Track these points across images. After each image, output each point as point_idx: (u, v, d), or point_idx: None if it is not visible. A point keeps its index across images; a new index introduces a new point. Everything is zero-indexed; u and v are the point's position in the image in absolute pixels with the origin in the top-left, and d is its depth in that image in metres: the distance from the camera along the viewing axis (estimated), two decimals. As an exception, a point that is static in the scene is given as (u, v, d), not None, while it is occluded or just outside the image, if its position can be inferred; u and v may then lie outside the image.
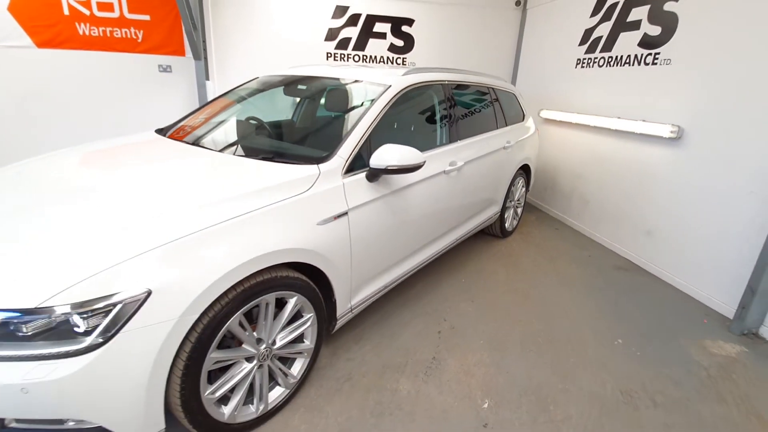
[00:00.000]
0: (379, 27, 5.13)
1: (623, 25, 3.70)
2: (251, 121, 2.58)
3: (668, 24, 3.23)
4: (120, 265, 1.23)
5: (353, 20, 5.05)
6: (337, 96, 2.58)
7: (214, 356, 1.44)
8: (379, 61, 5.28)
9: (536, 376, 2.10)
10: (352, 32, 5.09)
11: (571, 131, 4.40)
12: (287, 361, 1.82)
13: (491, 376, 2.09)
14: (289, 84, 2.84)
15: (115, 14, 4.57)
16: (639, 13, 3.53)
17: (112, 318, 1.19)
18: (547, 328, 2.52)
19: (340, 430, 1.72)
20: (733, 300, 2.67)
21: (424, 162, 2.04)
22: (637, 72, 3.53)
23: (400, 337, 2.35)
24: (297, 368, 1.84)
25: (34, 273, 1.22)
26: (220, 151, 2.14)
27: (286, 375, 1.78)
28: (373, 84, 2.39)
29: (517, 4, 5.30)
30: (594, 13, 4.07)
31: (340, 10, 4.99)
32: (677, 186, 3.16)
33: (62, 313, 1.16)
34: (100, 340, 1.18)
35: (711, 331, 2.61)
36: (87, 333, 1.18)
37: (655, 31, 3.37)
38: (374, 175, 2.00)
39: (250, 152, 2.15)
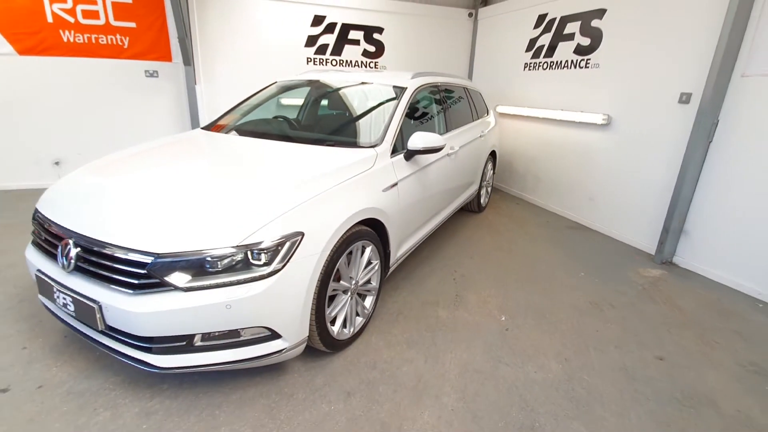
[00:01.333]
0: (353, 34, 5.71)
1: (561, 36, 4.66)
2: (299, 118, 3.10)
3: (596, 36, 4.21)
4: (281, 216, 1.74)
5: (330, 28, 5.57)
6: (366, 95, 3.17)
7: (332, 285, 1.99)
8: (354, 65, 5.86)
9: (532, 299, 2.86)
10: (330, 39, 5.62)
11: (524, 123, 5.32)
12: (362, 297, 2.38)
13: (501, 301, 2.81)
14: (318, 86, 3.37)
15: (101, 21, 4.71)
16: (573, 27, 4.49)
17: (284, 252, 1.70)
18: (531, 270, 3.31)
19: (406, 341, 2.33)
20: (654, 241, 3.66)
21: (445, 144, 2.70)
22: (574, 73, 4.49)
23: (426, 284, 2.99)
24: (369, 303, 2.41)
25: (230, 221, 1.70)
26: (293, 141, 2.65)
27: (363, 308, 2.35)
28: (393, 86, 3.01)
29: (470, 15, 6.17)
30: (536, 26, 5.01)
31: (318, 19, 5.49)
32: (609, 160, 4.14)
33: (255, 249, 1.65)
34: (279, 266, 1.69)
35: (641, 263, 3.56)
36: (267, 264, 1.68)
37: (586, 42, 4.34)
38: (411, 155, 2.63)
39: (315, 141, 2.68)
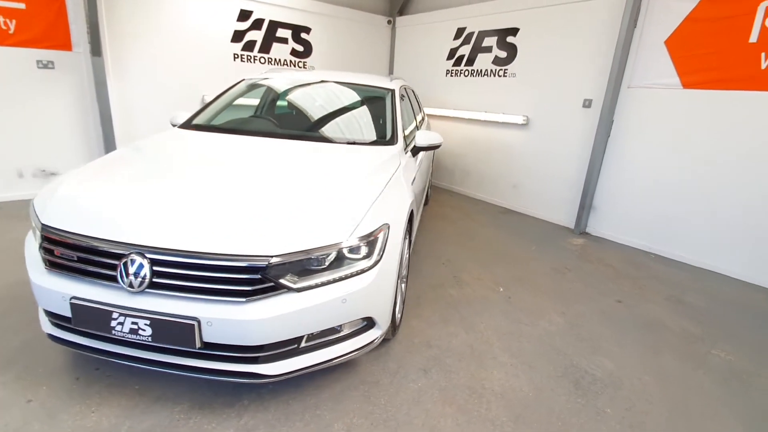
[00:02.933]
0: (281, 32, 5.58)
1: (480, 48, 5.38)
2: (306, 117, 3.04)
3: (511, 50, 5.01)
4: (371, 209, 1.82)
5: (257, 24, 5.35)
6: (358, 95, 3.25)
7: (402, 272, 2.12)
8: (284, 64, 5.73)
9: (511, 271, 3.38)
10: (257, 35, 5.39)
11: (449, 123, 5.95)
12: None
13: (491, 276, 3.26)
14: (309, 87, 3.32)
15: (-29, -3, 3.73)
16: (490, 41, 5.24)
17: (381, 242, 1.79)
18: (495, 249, 3.86)
19: (440, 320, 2.58)
20: (572, 217, 4.59)
21: (443, 141, 3.00)
22: (494, 81, 5.25)
23: (423, 271, 3.26)
24: (403, 288, 2.58)
25: (330, 217, 1.71)
26: (315, 140, 2.64)
27: (402, 293, 2.51)
28: (381, 87, 3.19)
29: (389, 22, 6.57)
30: (456, 38, 5.67)
31: (245, 14, 5.22)
32: (529, 153, 4.99)
33: (362, 242, 1.70)
34: (379, 257, 1.77)
35: (566, 235, 4.44)
36: (367, 256, 1.75)
37: (503, 54, 5.12)
38: (417, 151, 2.86)
39: (336, 140, 2.69)
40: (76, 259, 1.62)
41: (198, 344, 1.53)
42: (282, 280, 1.56)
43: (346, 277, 1.67)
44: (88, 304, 1.56)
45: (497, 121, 5.18)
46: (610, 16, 4.04)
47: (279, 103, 3.24)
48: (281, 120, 3.06)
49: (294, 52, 5.79)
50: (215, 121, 2.95)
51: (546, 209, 4.92)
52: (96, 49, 4.13)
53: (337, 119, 3.06)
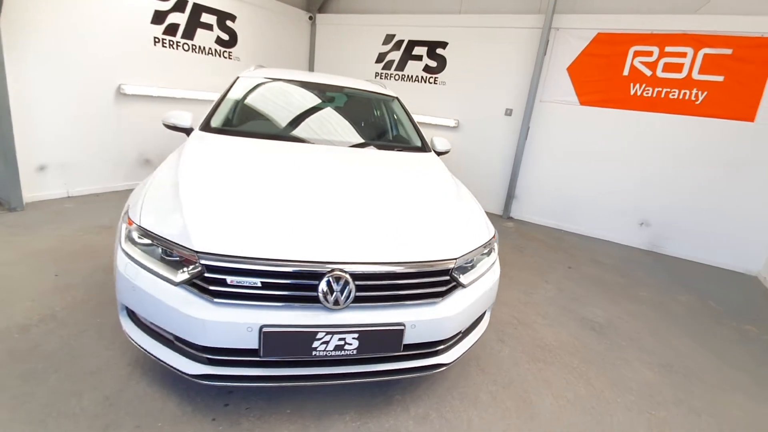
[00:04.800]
0: (206, 18, 5.05)
1: (410, 56, 5.90)
2: (331, 122, 3.03)
3: (441, 61, 5.68)
4: (483, 221, 2.13)
5: (180, 5, 4.74)
6: (368, 102, 3.40)
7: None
8: (209, 53, 5.18)
9: (489, 254, 4.06)
10: (180, 18, 4.78)
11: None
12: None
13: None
14: (317, 89, 3.27)
15: None
16: (420, 50, 5.81)
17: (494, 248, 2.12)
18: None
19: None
20: (500, 205, 5.57)
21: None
22: (426, 87, 5.85)
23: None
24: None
25: (468, 222, 1.97)
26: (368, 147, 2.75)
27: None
28: (383, 94, 3.39)
29: (310, 18, 6.50)
30: (385, 43, 6.06)
31: (167, -7, 4.55)
32: (459, 153, 5.78)
33: (492, 243, 2.02)
34: (497, 255, 2.11)
35: (498, 220, 5.39)
36: (489, 253, 2.06)
37: (433, 63, 5.75)
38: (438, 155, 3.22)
39: (382, 146, 2.84)
40: (259, 285, 1.52)
41: (401, 348, 1.65)
42: (460, 278, 1.78)
43: (485, 272, 1.98)
44: (287, 330, 1.50)
45: (431, 123, 5.81)
46: (527, 42, 5.05)
47: (303, 107, 3.12)
48: (322, 126, 3.01)
49: (219, 41, 5.27)
50: (251, 126, 2.77)
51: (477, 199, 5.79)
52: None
53: (372, 125, 3.16)
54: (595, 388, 2.21)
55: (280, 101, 3.10)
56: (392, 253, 1.65)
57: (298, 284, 1.54)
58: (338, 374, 1.64)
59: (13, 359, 1.90)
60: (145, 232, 1.60)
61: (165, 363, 1.61)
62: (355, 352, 1.58)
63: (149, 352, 1.65)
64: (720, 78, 4.21)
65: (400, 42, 5.93)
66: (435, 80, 5.77)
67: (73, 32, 3.86)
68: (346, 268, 1.56)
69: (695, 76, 4.31)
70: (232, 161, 2.19)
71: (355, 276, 1.57)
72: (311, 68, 6.84)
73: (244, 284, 1.51)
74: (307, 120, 2.92)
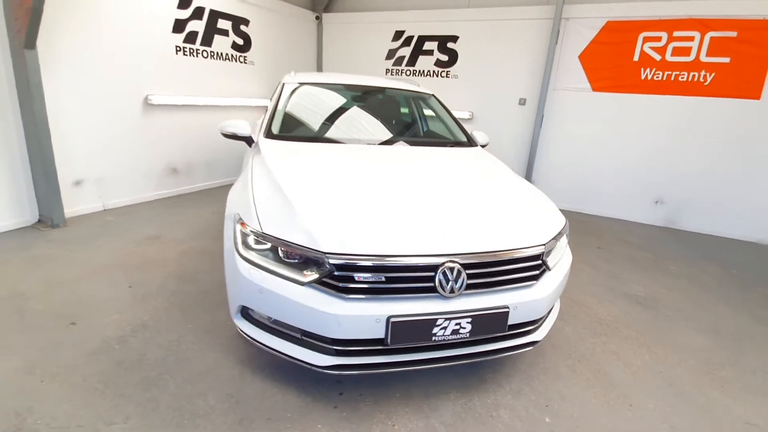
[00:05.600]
0: (222, 23, 5.08)
1: (421, 51, 6.01)
2: (383, 122, 3.18)
3: (453, 55, 5.80)
4: (556, 209, 2.28)
5: (198, 13, 4.78)
6: (408, 100, 3.53)
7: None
8: (226, 59, 5.21)
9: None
10: (199, 26, 4.81)
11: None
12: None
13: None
14: (362, 91, 3.43)
15: None
16: (431, 45, 5.92)
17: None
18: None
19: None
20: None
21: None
22: (438, 81, 5.97)
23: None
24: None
25: (542, 213, 2.11)
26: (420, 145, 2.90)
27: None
28: (424, 93, 3.52)
29: (317, 18, 6.54)
30: (395, 39, 6.15)
31: (184, 1, 4.56)
32: (474, 144, 5.93)
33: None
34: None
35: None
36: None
37: (444, 58, 5.87)
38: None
39: (436, 144, 3.02)
40: (384, 279, 1.64)
41: (506, 328, 1.80)
42: (548, 262, 1.94)
43: (562, 256, 2.14)
44: (411, 319, 1.64)
45: (444, 116, 5.94)
46: (538, 32, 5.21)
47: (353, 110, 3.22)
48: (375, 127, 3.14)
49: (235, 46, 5.30)
50: (310, 131, 2.91)
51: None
52: (31, 40, 3.11)
53: (418, 123, 3.28)
54: (657, 355, 2.41)
55: (330, 105, 3.20)
56: (494, 243, 1.79)
57: (417, 276, 1.67)
58: (454, 356, 1.79)
59: (124, 370, 1.98)
60: (269, 238, 1.70)
61: (292, 358, 1.73)
62: (468, 335, 1.73)
63: (274, 349, 1.77)
64: (726, 60, 4.44)
65: (410, 38, 6.03)
66: (447, 74, 5.90)
67: (101, 48, 3.87)
68: (458, 259, 1.70)
69: (703, 58, 4.53)
70: (315, 165, 2.29)
71: (466, 266, 1.71)
72: (319, 68, 6.89)
73: (370, 279, 1.64)
74: (360, 122, 3.03)
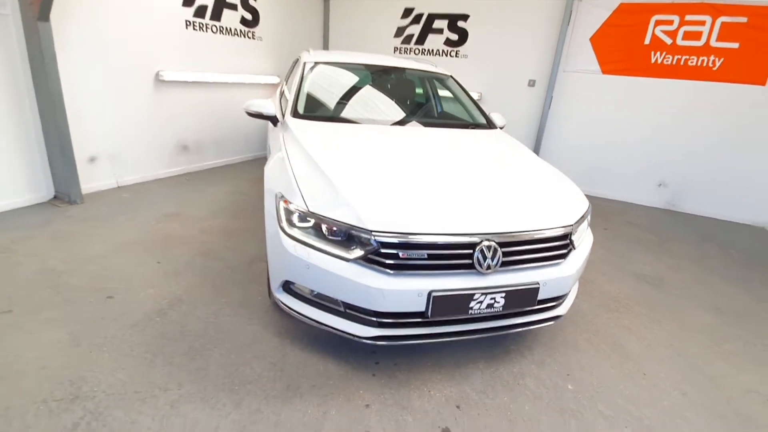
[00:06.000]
0: (231, -2, 4.95)
1: (430, 29, 5.95)
2: (406, 103, 3.26)
3: (463, 34, 5.76)
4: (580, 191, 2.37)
5: (207, -13, 4.63)
6: (425, 81, 3.58)
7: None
8: (234, 34, 5.13)
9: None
10: (209, 1, 4.67)
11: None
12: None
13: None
14: (380, 71, 3.46)
15: None
16: (441, 23, 5.87)
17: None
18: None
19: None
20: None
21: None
22: (448, 60, 5.94)
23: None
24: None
25: (575, 195, 2.21)
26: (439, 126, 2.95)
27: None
28: (442, 74, 3.54)
29: (324, -6, 6.42)
30: (404, 17, 6.07)
31: (194, -27, 4.45)
32: (482, 125, 5.97)
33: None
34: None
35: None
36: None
37: (454, 37, 5.83)
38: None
39: (457, 125, 3.06)
40: (426, 256, 1.73)
41: (536, 303, 1.91)
42: (574, 241, 2.04)
43: (584, 236, 2.24)
44: (452, 293, 1.73)
45: (452, 96, 5.95)
46: (549, 13, 5.19)
47: (375, 89, 3.24)
48: (397, 107, 3.18)
49: (243, 21, 5.21)
50: (337, 111, 2.96)
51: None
52: (45, 11, 3.05)
53: (438, 103, 3.31)
54: (668, 330, 2.56)
55: (351, 85, 3.21)
56: (527, 223, 1.88)
57: (457, 254, 1.76)
58: (487, 328, 1.90)
59: (169, 341, 2.07)
60: (317, 217, 1.77)
61: (335, 329, 1.83)
62: (501, 309, 1.83)
63: (317, 321, 1.86)
64: (736, 45, 4.49)
65: (420, 15, 5.96)
66: (456, 53, 5.87)
67: (113, 23, 3.79)
68: (495, 237, 1.78)
69: (713, 43, 4.57)
70: (347, 145, 2.35)
71: (501, 244, 1.80)
72: (326, 45, 6.80)
73: (414, 256, 1.72)
74: (383, 102, 3.06)
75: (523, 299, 1.87)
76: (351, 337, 1.82)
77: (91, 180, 3.93)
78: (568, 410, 1.86)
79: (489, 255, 1.77)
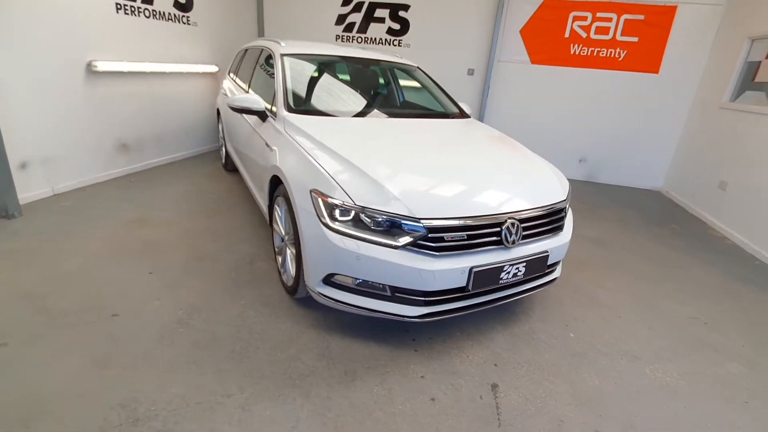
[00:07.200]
0: (163, -21, 4.51)
1: (372, 18, 6.04)
2: (384, 94, 3.37)
3: (404, 24, 5.96)
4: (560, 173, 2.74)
5: (138, -35, 4.18)
6: (408, 73, 3.74)
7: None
8: (168, 19, 4.72)
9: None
10: (140, -20, 4.23)
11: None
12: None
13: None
14: (354, 62, 3.51)
15: None
16: (382, 12, 5.99)
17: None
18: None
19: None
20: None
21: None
22: (391, 48, 6.10)
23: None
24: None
25: (561, 176, 2.55)
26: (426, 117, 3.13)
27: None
28: (410, 66, 3.72)
29: (257, -23, 6.09)
30: (345, 4, 6.06)
31: (122, -51, 3.99)
32: (427, 111, 6.29)
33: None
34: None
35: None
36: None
37: (396, 26, 6.00)
38: (466, 118, 3.69)
39: (440, 116, 3.27)
40: (465, 237, 1.94)
41: (546, 269, 2.25)
42: (564, 216, 2.41)
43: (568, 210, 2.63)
44: (488, 267, 1.97)
45: (398, 84, 6.15)
46: (486, 5, 5.62)
47: (358, 83, 3.26)
48: (380, 99, 3.32)
49: (177, 5, 4.79)
50: (328, 105, 2.99)
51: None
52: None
53: (412, 95, 3.47)
54: (624, 281, 3.12)
55: (337, 77, 3.25)
56: (537, 201, 2.18)
57: (488, 232, 1.99)
58: (511, 294, 2.19)
59: (206, 348, 2.01)
60: (364, 210, 1.86)
61: (384, 312, 1.97)
62: (522, 276, 2.13)
63: (365, 308, 1.97)
64: (635, 39, 5.35)
65: (360, 4, 6.01)
66: (399, 43, 6.06)
67: (37, 7, 3.28)
68: (516, 215, 2.06)
69: (618, 37, 5.39)
70: (361, 138, 2.44)
71: (521, 220, 2.08)
72: (261, 32, 6.50)
73: (456, 238, 1.92)
74: (372, 95, 3.16)
75: (537, 266, 2.18)
76: (399, 318, 1.97)
77: (23, 190, 3.41)
78: (577, 353, 2.24)
79: (513, 231, 2.03)
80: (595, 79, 5.62)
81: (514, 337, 2.33)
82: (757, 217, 3.93)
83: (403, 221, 1.86)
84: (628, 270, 3.31)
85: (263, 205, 2.89)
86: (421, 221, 1.85)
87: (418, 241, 1.87)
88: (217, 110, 4.94)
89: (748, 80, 4.45)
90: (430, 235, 1.87)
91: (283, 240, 2.52)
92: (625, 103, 5.63)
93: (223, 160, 4.89)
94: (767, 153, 3.96)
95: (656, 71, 5.41)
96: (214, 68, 5.52)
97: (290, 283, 2.40)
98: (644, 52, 5.37)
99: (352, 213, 1.90)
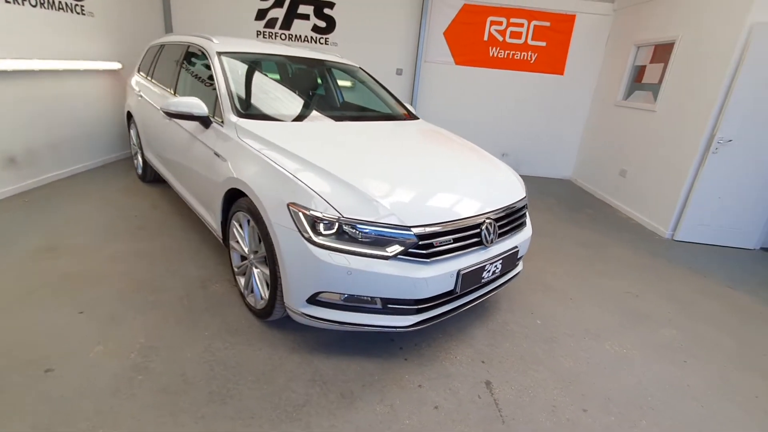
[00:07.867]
0: (47, -41, 3.80)
1: (295, 14, 5.79)
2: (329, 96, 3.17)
3: (330, 22, 5.82)
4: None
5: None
6: (354, 74, 3.58)
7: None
8: (59, 8, 4.00)
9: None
10: (17, -41, 3.51)
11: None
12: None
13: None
14: (290, 62, 3.27)
15: None
16: (307, 9, 5.78)
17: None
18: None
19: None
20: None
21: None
22: (318, 48, 5.92)
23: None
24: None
25: (513, 179, 2.69)
26: (376, 120, 3.02)
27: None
28: (348, 64, 3.64)
29: (161, -36, 5.44)
30: (265, -1, 5.72)
31: None
32: (358, 111, 6.25)
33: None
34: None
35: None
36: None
37: (322, 24, 5.84)
38: (412, 119, 3.72)
39: (385, 117, 3.20)
40: (452, 240, 1.95)
41: (516, 263, 2.37)
42: (526, 212, 2.56)
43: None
44: (473, 268, 2.02)
45: (327, 84, 6.00)
46: (411, 7, 5.73)
47: (302, 84, 3.05)
48: (328, 102, 3.16)
49: (68, -9, 4.07)
50: (276, 109, 2.76)
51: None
52: None
53: (358, 96, 3.37)
54: (564, 265, 3.43)
55: (280, 78, 3.03)
56: (504, 200, 2.28)
57: (471, 234, 2.03)
58: (490, 290, 2.27)
59: (179, 394, 1.74)
60: (351, 222, 1.76)
61: (375, 326, 1.90)
62: (499, 272, 2.22)
63: (354, 323, 1.88)
64: (544, 43, 5.90)
65: None
66: (326, 41, 5.91)
67: None
68: (491, 215, 2.13)
69: (530, 41, 5.89)
70: (325, 145, 2.30)
71: (496, 219, 2.16)
72: (168, 27, 5.84)
73: (444, 242, 1.92)
74: (320, 97, 3.01)
75: (510, 262, 2.29)
76: (393, 330, 1.92)
77: None
78: (548, 338, 2.41)
79: (492, 230, 2.10)
80: (512, 80, 6.09)
81: (491, 331, 2.42)
82: (650, 199, 4.62)
83: (393, 231, 1.80)
84: (565, 254, 3.65)
85: (212, 221, 2.61)
86: (411, 229, 1.82)
87: (409, 249, 1.84)
88: (128, 113, 4.32)
89: (637, 81, 5.19)
90: (420, 243, 1.85)
91: (244, 259, 2.30)
92: (538, 101, 6.20)
93: (140, 171, 4.32)
94: (655, 143, 4.66)
95: (562, 73, 6.04)
96: (116, 65, 4.83)
97: (259, 305, 2.20)
98: (551, 55, 5.95)
99: (336, 226, 1.79)
